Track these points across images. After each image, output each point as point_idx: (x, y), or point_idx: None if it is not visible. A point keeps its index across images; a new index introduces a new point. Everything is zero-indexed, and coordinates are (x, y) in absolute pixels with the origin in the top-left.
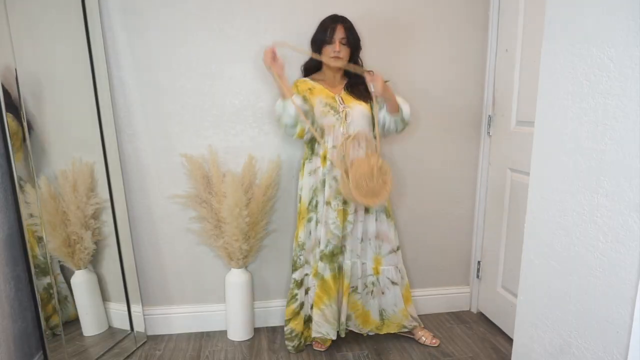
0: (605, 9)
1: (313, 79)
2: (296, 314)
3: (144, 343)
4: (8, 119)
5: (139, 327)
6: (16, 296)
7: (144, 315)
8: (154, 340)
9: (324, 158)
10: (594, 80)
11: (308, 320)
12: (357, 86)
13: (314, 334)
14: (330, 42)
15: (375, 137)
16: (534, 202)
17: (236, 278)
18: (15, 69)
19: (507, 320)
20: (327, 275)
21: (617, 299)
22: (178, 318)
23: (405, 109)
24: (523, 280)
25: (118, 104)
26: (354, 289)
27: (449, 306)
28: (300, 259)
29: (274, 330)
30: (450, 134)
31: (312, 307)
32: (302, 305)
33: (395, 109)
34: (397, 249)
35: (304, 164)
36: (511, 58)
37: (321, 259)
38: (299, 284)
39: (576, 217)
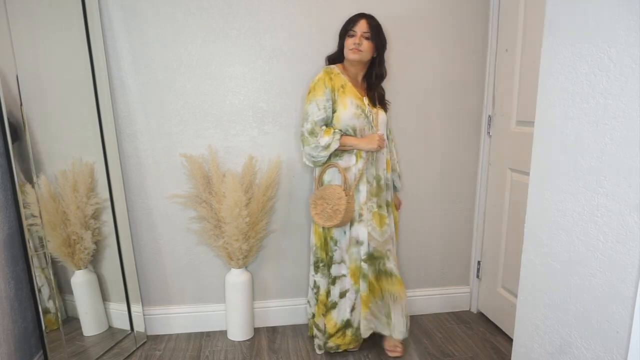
0: (606, 9)
1: (341, 70)
2: (329, 311)
3: (144, 343)
4: (8, 118)
5: (139, 327)
6: (16, 296)
7: (144, 315)
8: (154, 340)
9: (359, 156)
10: (594, 80)
11: (345, 326)
12: (376, 94)
13: (365, 334)
14: (352, 34)
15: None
16: (534, 202)
17: (236, 278)
18: (16, 69)
19: (507, 320)
20: (372, 276)
21: (617, 299)
22: (178, 318)
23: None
24: (523, 280)
25: (118, 104)
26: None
27: (449, 306)
28: (335, 254)
29: (274, 330)
30: (450, 134)
31: (352, 310)
32: (334, 305)
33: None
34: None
35: (329, 158)
36: (511, 58)
37: (365, 260)
38: (333, 281)
39: (576, 217)
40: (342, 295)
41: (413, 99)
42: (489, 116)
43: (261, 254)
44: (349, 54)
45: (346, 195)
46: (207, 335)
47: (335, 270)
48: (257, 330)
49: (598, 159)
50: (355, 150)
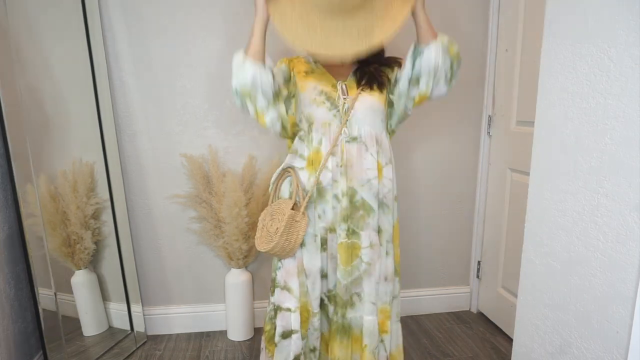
0: (606, 9)
1: (315, 59)
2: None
3: (144, 343)
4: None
5: (139, 327)
6: (16, 296)
7: (144, 315)
8: (154, 340)
9: (311, 163)
10: (594, 80)
11: None
12: (369, 68)
13: None
14: None
15: (389, 135)
16: (534, 202)
17: (236, 278)
18: (16, 69)
19: (507, 320)
20: (327, 331)
21: (617, 299)
22: (178, 318)
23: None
24: (523, 280)
25: (118, 104)
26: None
27: (449, 306)
28: (277, 275)
29: None
30: (450, 134)
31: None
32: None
33: (431, 33)
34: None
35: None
36: (511, 58)
37: (329, 300)
38: (276, 311)
39: (576, 217)
40: (286, 336)
41: None
42: (489, 116)
43: (261, 254)
44: None
45: (294, 211)
46: (207, 335)
47: (277, 297)
48: (257, 330)
49: (598, 159)
50: (305, 154)
